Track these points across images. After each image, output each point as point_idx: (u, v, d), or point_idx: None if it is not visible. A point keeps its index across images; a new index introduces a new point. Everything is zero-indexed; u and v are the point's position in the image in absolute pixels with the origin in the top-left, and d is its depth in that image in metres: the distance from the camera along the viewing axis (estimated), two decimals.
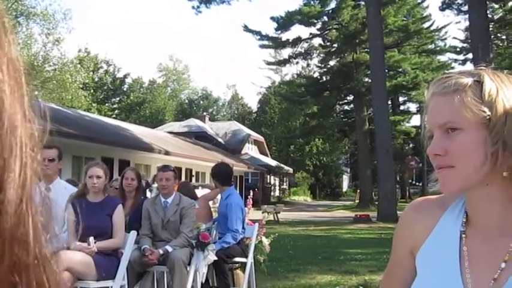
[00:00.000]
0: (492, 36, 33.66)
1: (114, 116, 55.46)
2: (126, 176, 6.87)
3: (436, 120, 1.32)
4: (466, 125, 1.28)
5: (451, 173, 1.29)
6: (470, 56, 33.08)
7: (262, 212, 10.63)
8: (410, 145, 53.57)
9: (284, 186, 56.01)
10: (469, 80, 1.29)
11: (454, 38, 67.16)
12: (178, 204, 6.42)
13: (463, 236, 1.37)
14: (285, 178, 56.27)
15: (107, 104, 62.40)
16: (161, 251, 6.06)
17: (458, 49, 44.19)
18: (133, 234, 5.52)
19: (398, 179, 47.06)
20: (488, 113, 1.26)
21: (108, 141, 23.85)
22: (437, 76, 1.39)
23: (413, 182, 60.53)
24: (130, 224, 6.28)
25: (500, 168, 1.26)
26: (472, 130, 1.27)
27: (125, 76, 66.77)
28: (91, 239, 5.18)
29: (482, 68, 1.33)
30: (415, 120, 50.59)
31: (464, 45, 42.38)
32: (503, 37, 40.88)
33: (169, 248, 6.09)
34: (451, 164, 1.29)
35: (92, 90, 55.39)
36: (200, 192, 9.94)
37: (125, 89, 67.34)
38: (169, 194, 6.49)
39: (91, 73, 50.28)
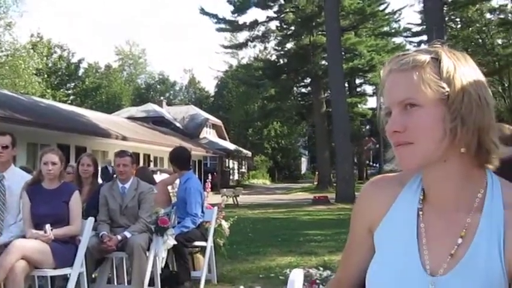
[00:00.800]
0: (446, 18, 34.16)
1: (69, 101, 54.54)
2: (82, 162, 6.77)
3: (394, 96, 1.31)
4: (425, 102, 1.27)
5: (410, 149, 1.29)
6: (424, 38, 33.45)
7: (221, 196, 10.62)
8: (367, 127, 54.18)
9: (243, 170, 56.10)
10: (426, 57, 1.30)
11: (409, 23, 67.79)
12: (136, 190, 6.36)
13: (420, 213, 1.38)
14: (243, 162, 56.34)
15: (61, 90, 61.31)
16: (120, 237, 6.00)
17: (413, 31, 44.70)
18: (90, 220, 5.45)
19: (355, 160, 47.59)
20: (447, 89, 1.26)
21: (63, 127, 23.47)
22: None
23: (371, 163, 61.31)
24: (88, 211, 6.19)
25: (458, 144, 1.27)
26: (431, 106, 1.27)
27: (80, 61, 65.68)
28: (47, 226, 5.09)
29: (438, 45, 1.34)
30: (372, 102, 51.14)
31: (419, 28, 42.89)
32: (457, 19, 41.55)
33: (127, 234, 6.04)
34: (410, 140, 1.28)
35: (46, 76, 54.38)
36: (159, 177, 9.89)
37: (80, 74, 66.24)
38: (126, 180, 6.42)
39: (44, 58, 49.32)
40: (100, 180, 7.45)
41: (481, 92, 1.28)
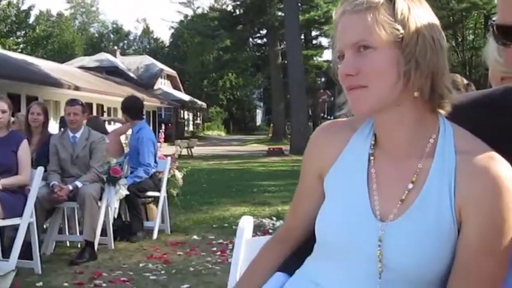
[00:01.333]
0: None
1: (19, 50, 53.06)
2: (32, 110, 6.58)
3: (347, 38, 1.27)
4: (379, 44, 1.24)
5: (363, 93, 1.26)
6: None
7: (176, 147, 10.58)
8: (323, 79, 54.26)
9: (198, 121, 55.95)
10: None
11: None
12: (88, 139, 6.26)
13: (372, 158, 1.36)
14: (198, 113, 56.13)
15: (11, 38, 59.53)
16: (70, 187, 5.92)
17: None
18: (40, 170, 5.35)
19: (310, 112, 47.78)
20: (402, 31, 1.23)
21: (14, 76, 22.93)
22: None
23: (325, 116, 61.75)
24: (38, 160, 6.07)
25: (412, 88, 1.25)
26: (385, 49, 1.24)
27: (30, 8, 63.69)
28: None
29: None
30: (328, 55, 51.18)
31: None
32: None
33: (78, 184, 5.95)
34: (364, 83, 1.25)
35: None
36: (111, 127, 9.76)
37: (30, 22, 64.32)
38: (77, 129, 6.30)
39: None
40: (57, 131, 7.27)
41: (435, 35, 1.25)
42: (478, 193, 1.22)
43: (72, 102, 6.42)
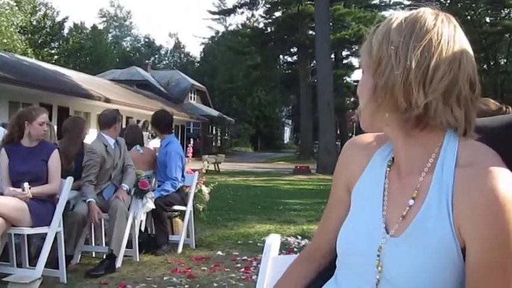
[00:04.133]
0: None
1: (53, 61, 53.87)
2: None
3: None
4: (363, 68, 1.35)
5: (360, 111, 1.37)
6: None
7: (203, 162, 10.59)
8: (352, 99, 54.10)
9: (226, 137, 56.06)
10: (374, 27, 1.34)
11: None
12: (119, 143, 6.42)
13: (387, 173, 1.39)
14: (227, 129, 56.27)
15: (45, 49, 60.53)
16: (124, 188, 6.16)
17: (403, 5, 44.51)
18: (69, 180, 5.40)
19: (338, 132, 47.66)
20: (372, 54, 1.30)
21: (46, 87, 23.24)
22: None
23: (353, 136, 61.45)
24: (77, 170, 6.17)
25: (384, 108, 1.28)
26: (364, 72, 1.35)
27: (64, 20, 64.73)
28: (25, 184, 5.04)
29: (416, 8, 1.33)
30: (357, 75, 51.07)
31: (408, 2, 42.73)
32: None
33: (128, 187, 6.20)
34: (359, 103, 1.37)
35: (29, 35, 53.58)
36: (155, 142, 9.82)
37: (64, 34, 65.32)
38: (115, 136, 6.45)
39: (29, 16, 48.52)
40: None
41: (399, 51, 1.25)
42: (474, 208, 1.19)
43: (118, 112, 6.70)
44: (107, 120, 6.41)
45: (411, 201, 1.29)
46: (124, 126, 26.11)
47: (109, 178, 6.25)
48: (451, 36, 1.26)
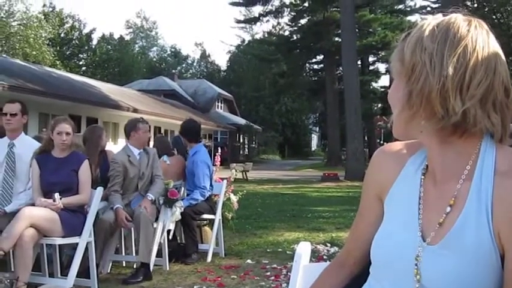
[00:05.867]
0: None
1: (81, 73, 54.53)
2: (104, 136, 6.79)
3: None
4: (394, 75, 1.34)
5: (392, 119, 1.36)
6: (440, 15, 33.07)
7: (231, 170, 10.61)
8: (379, 105, 53.87)
9: (253, 145, 56.12)
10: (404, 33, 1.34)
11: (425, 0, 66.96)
12: (147, 153, 6.41)
13: (422, 181, 1.38)
14: (254, 137, 56.33)
15: (73, 61, 61.30)
16: (149, 198, 6.14)
17: (428, 9, 44.20)
18: (99, 190, 5.45)
19: (366, 138, 47.44)
20: (403, 64, 1.29)
21: (75, 98, 23.53)
22: None
23: (381, 142, 61.12)
24: (103, 177, 6.25)
25: (420, 116, 1.27)
26: (396, 79, 1.33)
27: (92, 32, 65.48)
28: (56, 195, 5.10)
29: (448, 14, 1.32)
30: (384, 81, 50.85)
31: (435, 6, 42.41)
32: None
33: (153, 197, 6.17)
34: (392, 111, 1.36)
35: (58, 47, 54.29)
36: None
37: (92, 46, 66.08)
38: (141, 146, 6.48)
39: (57, 28, 49.18)
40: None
41: (436, 59, 1.24)
42: None
43: (144, 121, 6.72)
44: (127, 129, 6.51)
45: (448, 209, 1.28)
46: (152, 136, 26.35)
47: (136, 188, 6.29)
48: (485, 42, 1.26)
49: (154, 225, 6.15)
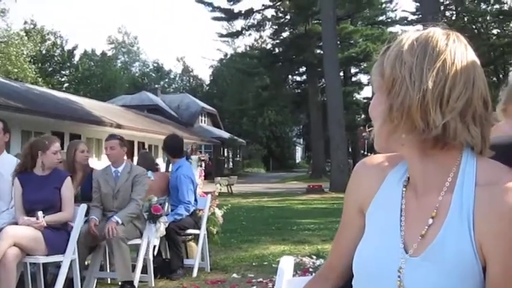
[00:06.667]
0: (442, 8, 34.11)
1: (63, 89, 54.25)
2: (81, 148, 6.69)
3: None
4: (375, 89, 1.34)
5: (374, 132, 1.36)
6: (420, 28, 33.49)
7: (215, 184, 10.60)
8: (362, 116, 54.11)
9: (237, 159, 56.07)
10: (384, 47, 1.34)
11: (404, 10, 67.54)
12: (130, 173, 6.29)
13: (404, 194, 1.38)
14: (238, 150, 56.30)
15: (55, 77, 61.00)
16: (113, 220, 5.91)
17: (408, 20, 44.60)
18: (83, 207, 5.43)
19: (350, 149, 47.57)
20: (385, 75, 1.29)
21: (58, 115, 23.42)
22: None
23: (365, 153, 61.24)
24: (84, 195, 6.22)
25: (400, 130, 1.28)
26: (377, 94, 1.34)
27: (74, 48, 65.25)
28: (39, 213, 5.06)
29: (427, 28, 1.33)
30: (367, 92, 51.13)
31: (414, 17, 42.80)
32: (452, 8, 41.53)
33: (119, 220, 5.93)
34: (373, 124, 1.36)
35: (39, 64, 54.06)
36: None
37: (74, 62, 65.79)
38: (117, 163, 6.37)
39: (38, 45, 49.01)
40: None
41: (415, 73, 1.25)
42: (495, 228, 1.20)
43: (109, 137, 6.56)
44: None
45: (430, 221, 1.28)
46: (136, 151, 26.20)
47: (112, 207, 6.24)
48: (463, 55, 1.27)
49: (137, 241, 6.13)
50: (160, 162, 15.36)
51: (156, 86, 60.29)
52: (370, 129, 1.40)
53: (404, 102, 1.24)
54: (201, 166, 9.81)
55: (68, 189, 5.41)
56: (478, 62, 1.30)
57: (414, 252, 1.28)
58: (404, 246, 1.31)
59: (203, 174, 8.61)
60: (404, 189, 1.38)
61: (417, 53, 1.25)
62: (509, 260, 1.19)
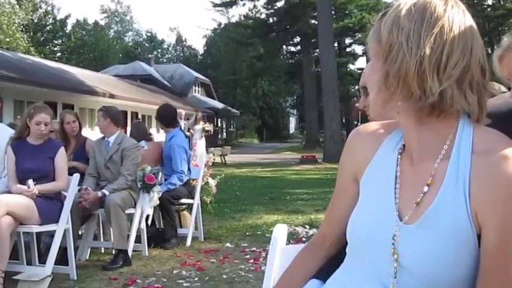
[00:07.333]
0: None
1: (56, 59, 53.83)
2: (67, 120, 6.68)
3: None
4: (371, 55, 1.32)
5: (369, 100, 1.35)
6: None
7: (209, 154, 10.62)
8: (356, 87, 54.01)
9: (231, 129, 56.05)
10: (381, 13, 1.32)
11: None
12: (120, 144, 6.28)
13: (399, 161, 1.38)
14: (232, 121, 56.25)
15: (47, 47, 60.49)
16: (100, 194, 5.92)
17: None
18: (76, 176, 5.41)
19: (344, 120, 47.59)
20: (379, 44, 1.28)
21: (50, 84, 23.28)
22: None
23: (359, 123, 61.27)
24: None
25: (397, 97, 1.27)
26: (373, 60, 1.32)
27: (66, 17, 64.63)
28: (30, 181, 5.04)
29: None
30: (361, 62, 50.97)
31: None
32: None
33: (106, 192, 5.95)
34: (368, 92, 1.36)
35: (31, 33, 53.56)
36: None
37: (66, 31, 65.21)
38: (106, 133, 6.36)
39: (30, 13, 48.51)
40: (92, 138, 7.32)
41: (413, 39, 1.23)
42: (491, 196, 1.20)
43: (98, 110, 6.57)
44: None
45: (426, 188, 1.28)
46: (129, 122, 26.14)
47: (105, 177, 6.25)
48: (461, 21, 1.26)
49: (132, 211, 6.14)
50: (154, 132, 15.36)
51: (150, 56, 59.85)
52: (355, 98, 1.41)
53: (401, 68, 1.23)
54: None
55: (62, 159, 5.40)
56: (476, 28, 1.28)
57: (409, 220, 1.28)
58: (399, 213, 1.31)
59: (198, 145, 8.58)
60: (399, 156, 1.38)
61: (415, 18, 1.24)
62: (505, 227, 1.19)
